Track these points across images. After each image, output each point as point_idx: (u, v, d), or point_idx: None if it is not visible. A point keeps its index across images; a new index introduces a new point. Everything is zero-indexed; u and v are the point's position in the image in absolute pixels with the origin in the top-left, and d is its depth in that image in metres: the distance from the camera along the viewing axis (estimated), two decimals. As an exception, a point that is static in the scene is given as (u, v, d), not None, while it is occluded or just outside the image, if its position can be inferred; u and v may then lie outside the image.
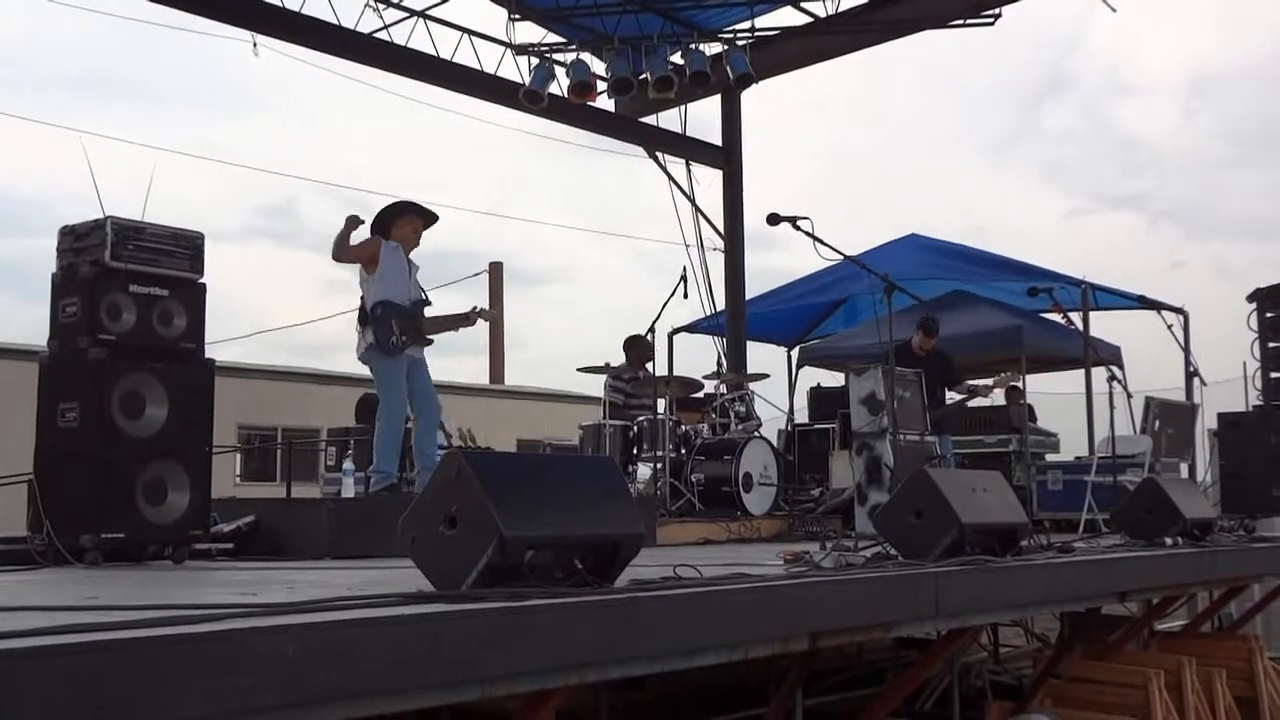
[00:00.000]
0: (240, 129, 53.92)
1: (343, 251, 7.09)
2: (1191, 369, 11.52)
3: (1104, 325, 12.62)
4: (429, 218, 7.55)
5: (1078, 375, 11.57)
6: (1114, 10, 12.17)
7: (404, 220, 7.42)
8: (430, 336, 7.41)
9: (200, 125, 57.77)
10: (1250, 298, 9.56)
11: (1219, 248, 69.06)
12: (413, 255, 7.48)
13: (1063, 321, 9.69)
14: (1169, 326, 11.77)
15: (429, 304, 7.46)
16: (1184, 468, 10.79)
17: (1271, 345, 9.35)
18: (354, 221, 7.10)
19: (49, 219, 58.31)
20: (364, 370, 7.48)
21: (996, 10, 12.64)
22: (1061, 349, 11.85)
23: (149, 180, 5.30)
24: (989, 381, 10.28)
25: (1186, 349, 11.69)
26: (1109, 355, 11.99)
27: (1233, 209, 68.71)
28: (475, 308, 7.80)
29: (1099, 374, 9.88)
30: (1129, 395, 9.18)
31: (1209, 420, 10.65)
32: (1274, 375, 9.33)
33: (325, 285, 62.44)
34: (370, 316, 7.17)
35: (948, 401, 10.13)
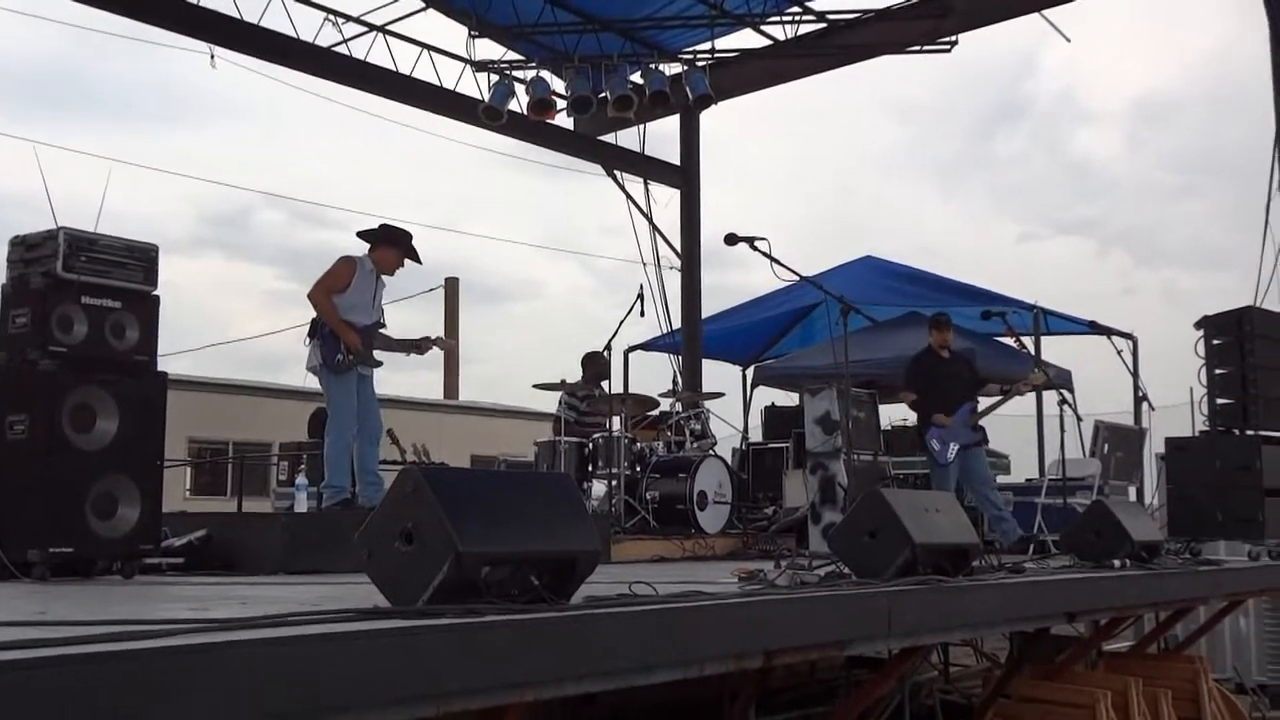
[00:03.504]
0: (193, 139, 53.44)
1: (324, 300, 7.18)
2: (1140, 394, 11.68)
3: (1055, 349, 12.80)
4: (414, 260, 7.65)
5: (1028, 398, 11.69)
6: (1068, 40, 12.40)
7: (396, 250, 7.52)
8: (379, 357, 7.42)
9: (152, 135, 57.21)
10: (1198, 325, 9.71)
11: (1168, 275, 70.15)
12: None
13: (1015, 345, 9.78)
14: (1119, 351, 11.93)
15: (383, 325, 7.47)
16: (1132, 490, 10.95)
17: (1218, 371, 9.49)
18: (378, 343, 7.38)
19: (-3, 227, 57.39)
20: (317, 384, 7.45)
21: (953, 37, 12.81)
22: (1013, 372, 11.98)
23: (103, 190, 5.26)
24: (1020, 385, 9.71)
25: (1135, 374, 11.86)
26: (1060, 379, 12.14)
27: (1181, 236, 69.87)
28: (429, 337, 7.83)
29: (1050, 397, 10.01)
30: (1079, 419, 9.30)
31: (1157, 444, 10.81)
32: (1220, 401, 9.47)
33: (276, 297, 61.91)
34: (320, 332, 7.17)
35: (979, 407, 9.58)
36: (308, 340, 7.27)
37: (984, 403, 9.58)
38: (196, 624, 2.42)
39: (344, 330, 7.12)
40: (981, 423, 9.33)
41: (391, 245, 7.50)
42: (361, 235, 7.51)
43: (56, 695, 1.92)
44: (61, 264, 4.80)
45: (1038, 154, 75.49)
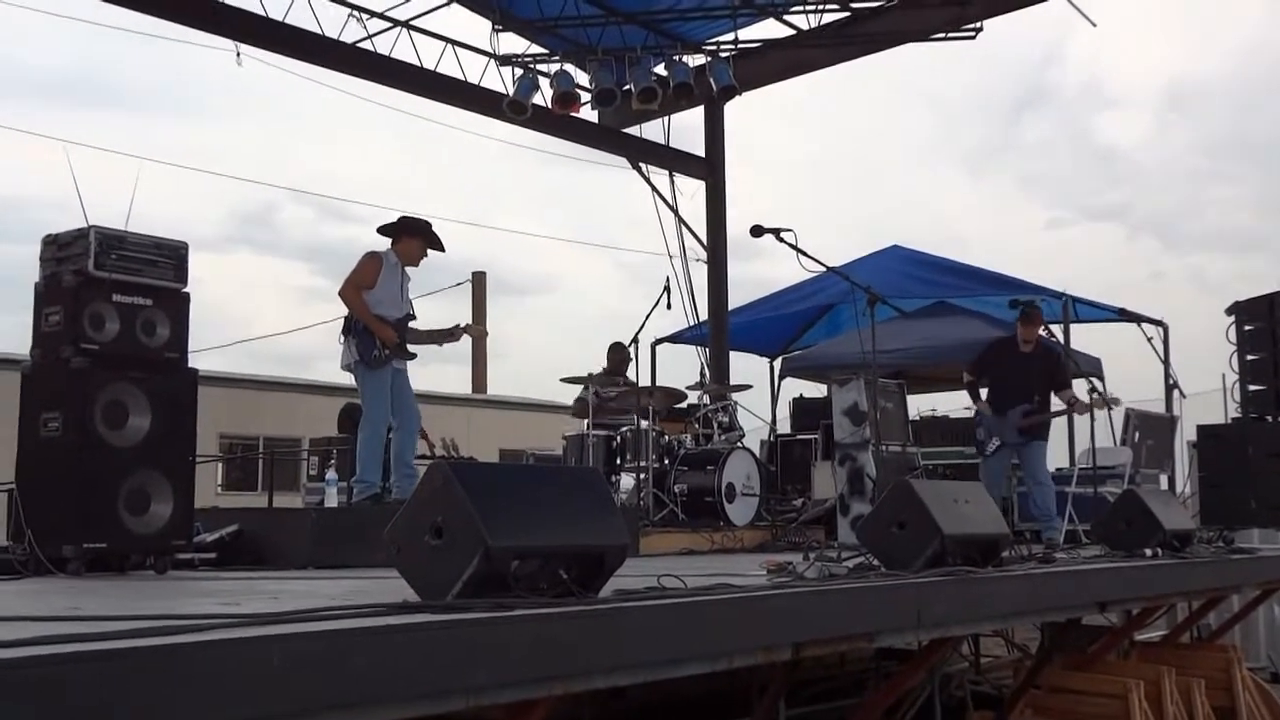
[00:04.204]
0: (219, 137, 53.78)
1: (356, 296, 7.23)
2: (1171, 381, 11.60)
3: (1085, 337, 12.70)
4: (437, 248, 7.68)
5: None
6: (1094, 25, 12.28)
7: (417, 240, 7.56)
8: (413, 350, 7.46)
9: (179, 133, 57.62)
10: (1229, 310, 9.63)
11: (1197, 260, 69.73)
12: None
13: (1044, 334, 9.71)
14: (1149, 339, 11.86)
15: (414, 318, 7.51)
16: (1163, 479, 10.87)
17: (1250, 358, 9.41)
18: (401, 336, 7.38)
19: (25, 225, 57.98)
20: (346, 379, 7.51)
21: (978, 24, 12.72)
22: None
23: (132, 188, 5.29)
24: (1088, 401, 9.10)
25: (1166, 361, 11.78)
26: (1090, 367, 12.05)
27: (1211, 221, 69.36)
28: (460, 325, 7.87)
29: (1080, 386, 9.94)
30: (1110, 407, 9.23)
31: (1188, 432, 10.74)
32: (1252, 388, 9.40)
33: (305, 293, 62.31)
34: (354, 328, 7.21)
35: (1053, 406, 9.27)
36: (342, 338, 7.31)
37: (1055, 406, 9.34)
38: (228, 619, 2.44)
39: (378, 326, 7.16)
40: None
41: (413, 236, 7.53)
42: (382, 230, 7.54)
43: (90, 691, 1.94)
44: (93, 262, 4.84)
45: (1065, 140, 75.08)
